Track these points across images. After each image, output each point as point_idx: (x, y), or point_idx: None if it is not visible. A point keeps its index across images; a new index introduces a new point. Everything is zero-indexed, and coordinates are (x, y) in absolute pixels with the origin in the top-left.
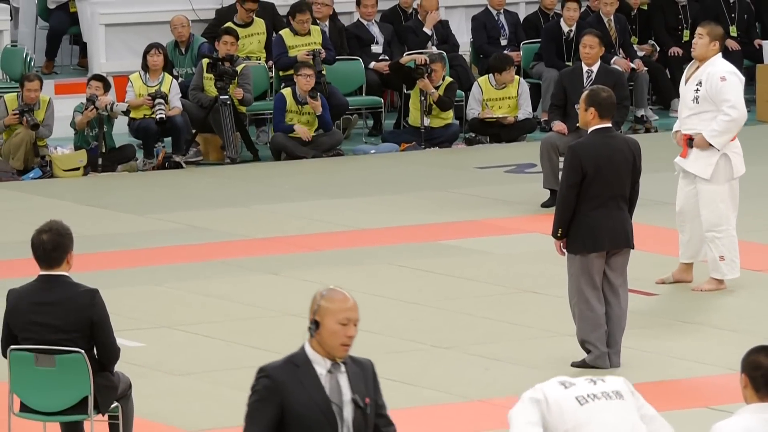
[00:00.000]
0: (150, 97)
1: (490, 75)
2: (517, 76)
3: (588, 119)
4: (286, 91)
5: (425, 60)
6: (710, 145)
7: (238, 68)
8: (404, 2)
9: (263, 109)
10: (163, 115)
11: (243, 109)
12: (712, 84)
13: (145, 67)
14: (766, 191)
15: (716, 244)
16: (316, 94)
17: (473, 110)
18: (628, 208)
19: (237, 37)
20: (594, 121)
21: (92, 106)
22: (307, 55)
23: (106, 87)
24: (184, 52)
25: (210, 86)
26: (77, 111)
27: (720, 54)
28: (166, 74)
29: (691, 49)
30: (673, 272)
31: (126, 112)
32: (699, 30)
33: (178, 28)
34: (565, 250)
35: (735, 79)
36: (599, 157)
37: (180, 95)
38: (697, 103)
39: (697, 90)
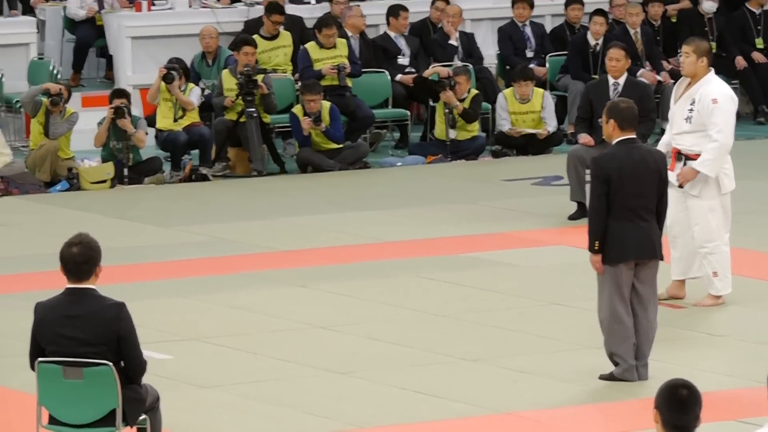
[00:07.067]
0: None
1: (514, 88)
2: (541, 89)
3: (609, 131)
4: (297, 109)
5: (449, 73)
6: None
7: (258, 78)
8: (435, 16)
9: (289, 122)
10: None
11: (268, 119)
12: (705, 105)
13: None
14: None
15: (709, 260)
16: (319, 122)
17: (504, 121)
18: (656, 220)
19: (256, 47)
20: (615, 133)
21: (115, 114)
22: (332, 69)
23: (129, 100)
24: (210, 63)
25: (231, 95)
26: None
27: (713, 71)
28: (189, 83)
29: (680, 68)
30: (666, 288)
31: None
32: (684, 48)
33: (207, 38)
34: (604, 266)
35: (728, 101)
36: (622, 168)
37: (202, 99)
38: (690, 123)
39: (691, 110)
